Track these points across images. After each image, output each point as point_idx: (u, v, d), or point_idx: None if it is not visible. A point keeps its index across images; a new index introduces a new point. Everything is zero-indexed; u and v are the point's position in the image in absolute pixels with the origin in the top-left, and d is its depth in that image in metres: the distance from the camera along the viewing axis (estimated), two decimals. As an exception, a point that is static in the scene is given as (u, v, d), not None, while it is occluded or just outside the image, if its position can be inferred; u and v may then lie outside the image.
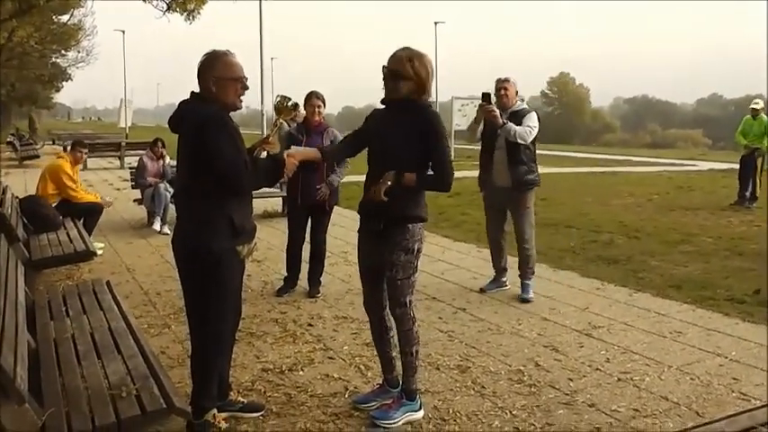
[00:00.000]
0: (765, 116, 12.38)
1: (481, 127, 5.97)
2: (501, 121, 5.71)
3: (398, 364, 3.76)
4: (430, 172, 3.58)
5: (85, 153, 8.96)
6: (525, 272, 6.11)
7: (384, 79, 3.53)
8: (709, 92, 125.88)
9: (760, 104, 12.53)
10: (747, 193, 12.31)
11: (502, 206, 6.17)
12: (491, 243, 6.41)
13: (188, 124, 3.23)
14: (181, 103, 3.37)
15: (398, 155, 3.49)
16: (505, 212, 6.19)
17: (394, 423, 3.54)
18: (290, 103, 3.72)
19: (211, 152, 3.13)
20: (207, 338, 3.36)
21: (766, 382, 4.11)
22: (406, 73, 3.46)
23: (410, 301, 3.59)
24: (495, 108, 5.69)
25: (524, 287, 6.06)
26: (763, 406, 3.04)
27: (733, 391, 3.99)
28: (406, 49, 3.53)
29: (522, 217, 6.07)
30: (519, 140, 5.76)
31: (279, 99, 3.72)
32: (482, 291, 6.22)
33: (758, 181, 12.36)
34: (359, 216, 3.73)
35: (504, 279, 6.35)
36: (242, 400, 3.70)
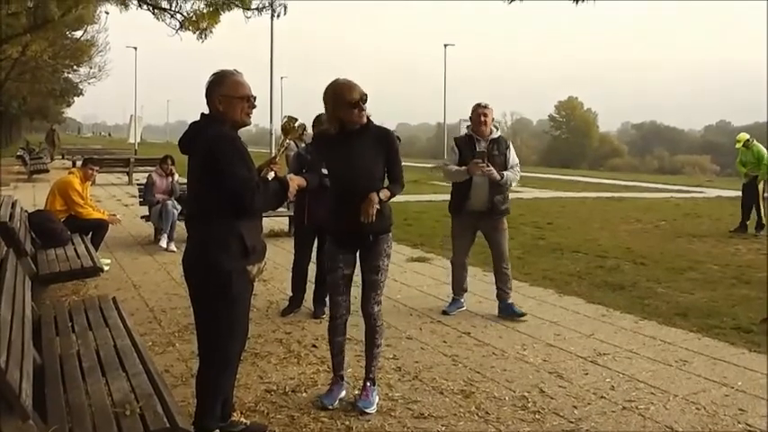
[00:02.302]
0: (757, 143, 12.65)
1: (456, 157, 6.09)
2: (498, 176, 5.93)
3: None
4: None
5: (96, 170, 9.02)
6: (507, 292, 6.28)
7: (353, 107, 3.87)
8: (718, 118, 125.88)
9: (743, 139, 12.84)
10: (748, 222, 12.41)
11: (475, 230, 6.33)
12: (459, 265, 6.46)
13: (198, 144, 3.26)
14: (192, 124, 3.41)
15: (371, 173, 3.98)
16: (475, 236, 6.39)
17: (375, 406, 4.04)
18: (296, 124, 3.76)
19: (222, 170, 3.15)
20: (214, 358, 3.37)
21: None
22: (360, 92, 3.88)
23: (381, 300, 4.15)
24: (491, 167, 5.88)
25: (510, 306, 6.20)
26: (768, 438, 3.02)
27: (739, 422, 3.96)
28: (346, 79, 3.94)
29: (501, 238, 6.25)
30: (515, 184, 6.23)
31: (286, 120, 3.77)
32: (445, 313, 6.26)
33: (762, 207, 12.45)
34: (333, 235, 4.16)
35: (464, 300, 6.46)
36: (245, 421, 3.69)
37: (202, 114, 3.38)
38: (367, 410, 3.98)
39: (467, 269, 6.53)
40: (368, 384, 4.11)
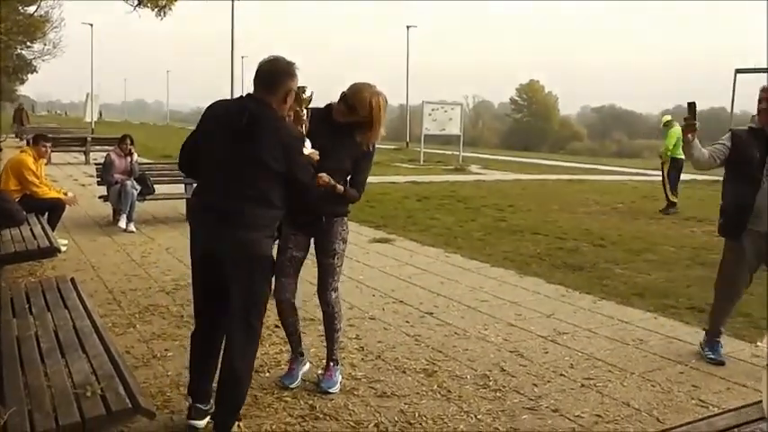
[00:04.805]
0: (676, 127, 12.61)
1: (724, 151, 4.48)
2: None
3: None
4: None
5: (49, 147, 8.78)
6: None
7: (339, 102, 3.84)
8: (674, 104, 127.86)
9: (665, 121, 13.29)
10: (673, 200, 12.96)
11: (758, 259, 4.61)
12: (729, 301, 4.86)
13: (265, 130, 3.23)
14: (248, 99, 3.32)
15: (338, 165, 3.80)
16: (756, 268, 4.70)
17: (339, 386, 4.08)
18: (305, 95, 3.63)
19: (293, 174, 3.28)
20: (251, 342, 3.44)
21: (765, 399, 4.20)
22: (364, 111, 3.79)
23: (338, 286, 4.10)
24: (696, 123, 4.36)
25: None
26: (721, 413, 3.11)
27: (692, 399, 4.08)
28: (369, 86, 3.85)
29: None
30: None
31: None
32: (714, 361, 4.68)
33: (665, 188, 13.08)
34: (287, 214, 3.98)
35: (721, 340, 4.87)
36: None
37: (253, 97, 3.30)
38: (330, 390, 4.01)
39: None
40: (331, 365, 4.15)
